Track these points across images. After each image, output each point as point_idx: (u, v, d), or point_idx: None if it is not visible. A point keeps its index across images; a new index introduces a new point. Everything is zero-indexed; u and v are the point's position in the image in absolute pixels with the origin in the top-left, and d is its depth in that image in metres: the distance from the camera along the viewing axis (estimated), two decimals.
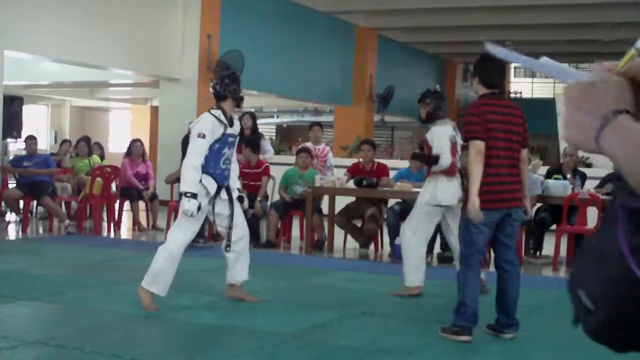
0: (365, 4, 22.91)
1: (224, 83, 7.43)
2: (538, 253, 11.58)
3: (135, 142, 14.27)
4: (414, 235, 8.25)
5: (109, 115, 34.81)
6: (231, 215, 7.39)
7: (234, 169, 7.56)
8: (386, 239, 11.83)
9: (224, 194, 7.32)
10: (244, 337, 6.26)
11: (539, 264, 11.18)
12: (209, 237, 12.20)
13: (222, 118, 7.23)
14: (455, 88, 33.39)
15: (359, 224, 12.06)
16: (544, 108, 25.99)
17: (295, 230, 12.71)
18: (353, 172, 11.99)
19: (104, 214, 13.74)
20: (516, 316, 6.42)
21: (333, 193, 11.67)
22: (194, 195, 7.02)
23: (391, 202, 12.10)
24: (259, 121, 14.45)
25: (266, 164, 12.61)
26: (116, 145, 30.73)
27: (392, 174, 12.05)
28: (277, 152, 18.82)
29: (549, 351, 6.20)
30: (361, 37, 25.38)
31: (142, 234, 13.46)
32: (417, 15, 24.09)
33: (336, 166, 13.82)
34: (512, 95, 41.43)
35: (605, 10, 22.40)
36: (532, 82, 42.99)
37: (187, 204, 7.00)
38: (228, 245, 7.44)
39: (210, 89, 7.55)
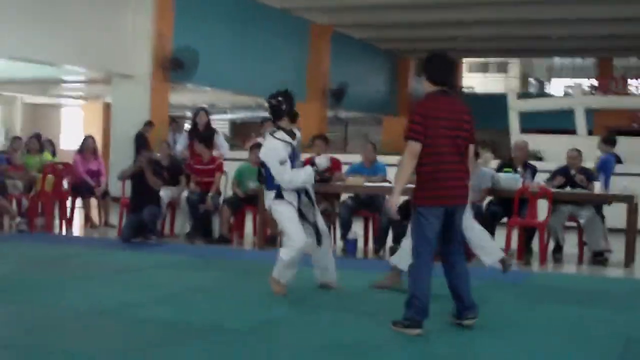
0: (320, 1, 22.94)
1: (279, 102, 7.79)
2: None
3: (87, 139, 14.18)
4: None
5: (61, 112, 34.51)
6: (314, 214, 7.98)
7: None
8: (339, 233, 11.88)
9: (304, 198, 7.88)
10: (197, 332, 6.25)
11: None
12: (161, 234, 12.18)
13: (287, 138, 7.72)
14: (409, 84, 33.53)
15: None
16: (496, 103, 26.24)
17: (249, 226, 12.71)
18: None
19: (56, 211, 13.62)
20: (473, 301, 6.54)
21: None
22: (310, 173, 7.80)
23: (344, 196, 12.15)
24: (212, 117, 14.46)
25: (220, 160, 12.62)
26: (68, 142, 30.46)
27: (345, 168, 12.10)
28: (231, 147, 18.81)
29: (500, 340, 6.27)
30: (315, 34, 25.41)
31: (94, 231, 13.39)
32: (371, 11, 24.17)
33: None
34: (465, 90, 41.72)
35: (556, 6, 22.62)
36: (485, 77, 43.33)
37: (319, 163, 8.04)
38: (319, 240, 7.94)
39: (267, 108, 7.93)
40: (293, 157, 7.76)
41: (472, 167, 6.74)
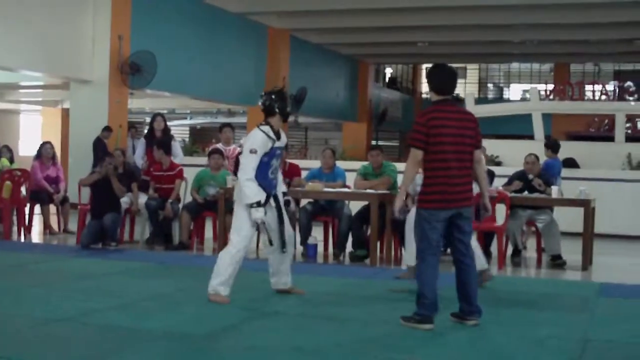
0: (277, 5, 22.92)
1: (271, 99, 7.94)
2: (448, 250, 11.71)
3: (45, 145, 14.08)
4: None
5: (20, 117, 34.25)
6: (280, 220, 7.96)
7: (279, 176, 8.13)
8: (298, 238, 11.90)
9: (272, 202, 7.88)
10: (154, 339, 6.24)
11: (447, 261, 11.33)
12: (121, 241, 12.12)
13: (271, 134, 7.78)
14: (368, 88, 33.60)
15: None
16: None
17: (208, 232, 12.70)
18: None
19: (14, 218, 13.51)
20: (478, 304, 6.92)
21: None
22: (259, 204, 7.65)
23: (303, 202, 12.17)
24: (172, 123, 14.42)
25: (180, 167, 12.59)
26: (27, 148, 30.24)
27: (304, 174, 12.13)
28: (190, 153, 18.79)
29: (458, 343, 6.32)
30: (274, 38, 25.38)
31: (53, 238, 13.30)
32: (329, 16, 24.18)
33: None
34: (424, 95, 41.86)
35: (515, 12, 22.80)
36: None
37: (255, 213, 7.65)
38: (283, 246, 8.03)
39: (259, 104, 7.99)
40: (272, 155, 7.80)
41: (479, 171, 7.05)
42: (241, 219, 7.81)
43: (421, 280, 6.76)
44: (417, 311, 6.72)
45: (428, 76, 7.11)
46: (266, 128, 7.81)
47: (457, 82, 7.11)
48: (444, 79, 6.97)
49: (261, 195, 7.70)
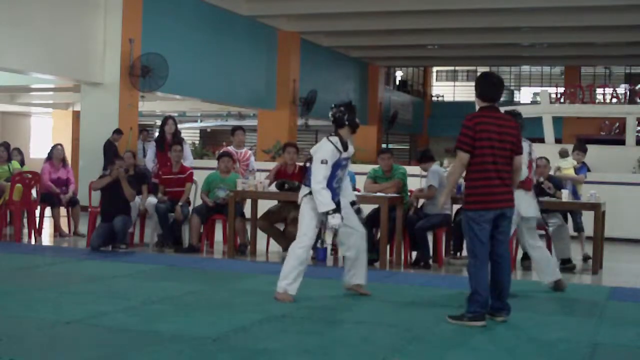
0: (287, 8, 22.97)
1: (341, 111, 8.21)
2: (458, 254, 11.72)
3: (56, 147, 14.10)
4: None
5: (30, 120, 34.33)
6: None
7: (348, 184, 8.43)
8: None
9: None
10: (164, 341, 6.24)
11: (459, 264, 11.33)
12: (131, 244, 12.12)
13: (339, 146, 8.07)
14: (378, 91, 33.60)
15: (281, 227, 12.09)
16: (465, 111, 26.28)
17: (218, 235, 12.69)
18: (277, 175, 12.02)
19: (25, 220, 13.54)
20: (508, 302, 7.29)
21: (255, 197, 11.69)
22: (335, 210, 7.92)
23: None
24: (182, 125, 14.45)
25: (190, 171, 12.61)
26: (37, 151, 30.32)
27: None
28: (200, 156, 18.81)
29: (468, 347, 6.31)
30: (284, 41, 25.43)
31: (63, 240, 13.31)
32: (339, 19, 24.22)
33: (260, 170, 13.83)
34: (435, 98, 41.87)
35: (525, 14, 22.79)
36: (454, 86, 43.54)
37: (332, 220, 7.93)
38: (333, 249, 8.94)
39: (330, 117, 8.28)
40: (338, 166, 8.05)
41: (517, 177, 7.46)
42: (308, 221, 8.07)
43: (475, 279, 7.10)
44: (469, 309, 7.05)
45: (475, 84, 7.40)
46: (335, 139, 8.09)
47: (502, 91, 7.44)
48: (489, 87, 7.33)
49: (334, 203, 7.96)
